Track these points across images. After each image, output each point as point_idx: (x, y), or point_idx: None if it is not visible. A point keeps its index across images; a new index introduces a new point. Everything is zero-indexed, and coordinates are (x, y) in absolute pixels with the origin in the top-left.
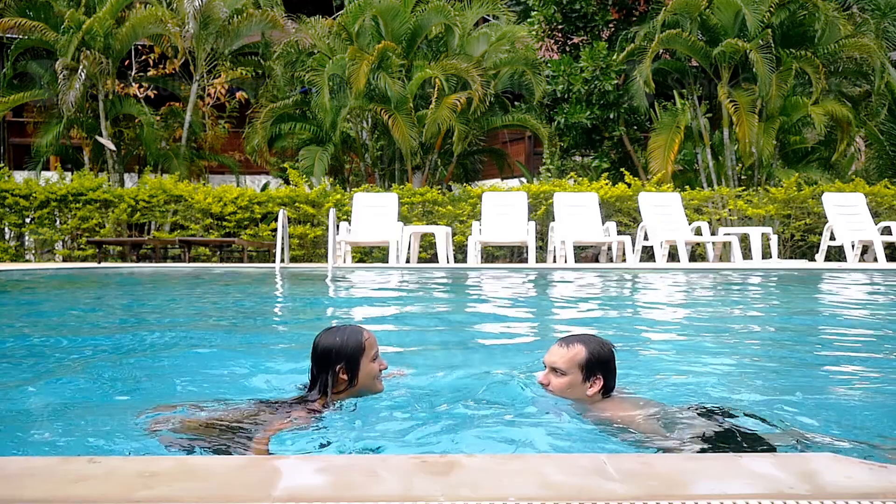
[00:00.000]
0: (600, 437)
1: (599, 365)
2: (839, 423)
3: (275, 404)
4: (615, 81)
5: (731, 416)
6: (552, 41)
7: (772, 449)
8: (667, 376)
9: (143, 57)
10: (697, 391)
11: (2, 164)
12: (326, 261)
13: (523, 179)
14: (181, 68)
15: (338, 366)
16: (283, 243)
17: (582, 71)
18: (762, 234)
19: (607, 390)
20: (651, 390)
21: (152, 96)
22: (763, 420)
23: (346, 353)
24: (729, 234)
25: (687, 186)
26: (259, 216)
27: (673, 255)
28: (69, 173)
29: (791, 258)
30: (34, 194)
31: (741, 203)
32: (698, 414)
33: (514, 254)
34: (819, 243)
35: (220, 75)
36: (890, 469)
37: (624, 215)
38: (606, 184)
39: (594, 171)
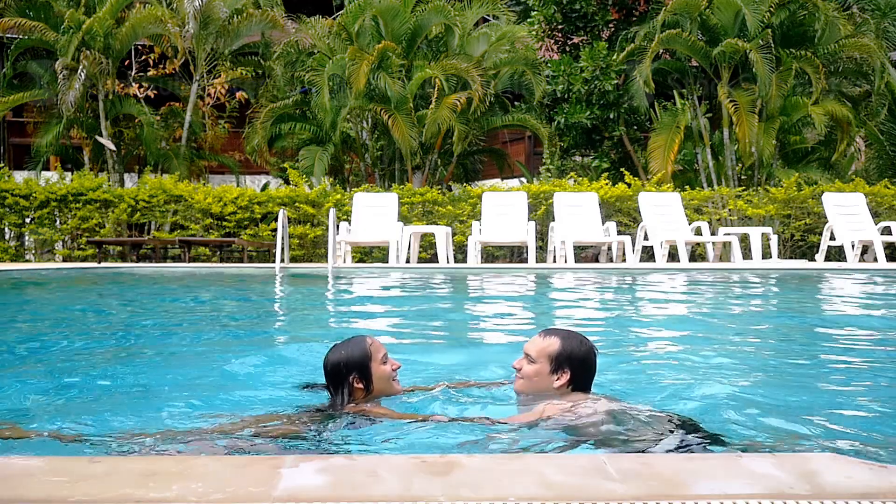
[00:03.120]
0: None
1: (570, 360)
2: (839, 423)
3: (305, 414)
4: (615, 81)
5: (695, 430)
6: (552, 41)
7: None
8: (664, 376)
9: (143, 57)
10: (695, 391)
11: (2, 164)
12: (326, 261)
13: (523, 179)
14: (181, 68)
15: (351, 376)
16: (283, 243)
17: (582, 71)
18: (762, 234)
19: (576, 387)
20: (648, 389)
21: (152, 96)
22: (722, 443)
23: (354, 363)
24: (729, 234)
25: (687, 186)
26: (259, 216)
27: (673, 255)
28: (69, 173)
29: (791, 258)
30: (34, 194)
31: (741, 203)
32: (665, 422)
33: (514, 254)
34: (819, 243)
35: (220, 75)
36: (890, 469)
37: (624, 215)
38: (606, 184)
39: (594, 171)
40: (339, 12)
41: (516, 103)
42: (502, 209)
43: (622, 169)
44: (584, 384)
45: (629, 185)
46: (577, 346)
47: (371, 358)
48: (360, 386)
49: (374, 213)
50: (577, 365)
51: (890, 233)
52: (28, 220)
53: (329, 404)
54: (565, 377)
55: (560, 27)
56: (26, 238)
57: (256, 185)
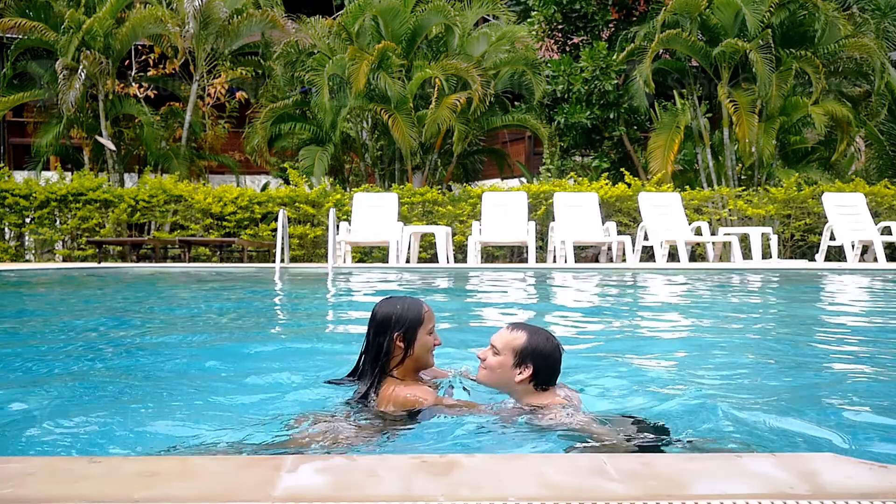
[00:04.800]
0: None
1: (534, 355)
2: (839, 423)
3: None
4: (615, 81)
5: (662, 434)
6: (552, 41)
7: None
8: (664, 375)
9: (143, 57)
10: (695, 391)
11: (2, 164)
12: (326, 261)
13: (523, 179)
14: (181, 68)
15: (396, 332)
16: (283, 243)
17: (582, 71)
18: (762, 234)
19: (538, 383)
20: (646, 389)
21: (152, 96)
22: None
23: (405, 321)
24: (729, 234)
25: (687, 186)
26: (259, 216)
27: (673, 255)
28: (69, 173)
29: (791, 258)
30: (34, 194)
31: (741, 203)
32: (631, 425)
33: (514, 254)
34: (819, 243)
35: (220, 75)
36: (890, 469)
37: (624, 215)
38: (606, 184)
39: (594, 171)
40: (339, 12)
41: (516, 103)
42: (502, 209)
43: (622, 169)
44: (547, 381)
45: (629, 185)
46: (542, 343)
47: (422, 324)
48: (401, 345)
49: (374, 213)
50: (540, 361)
51: (890, 233)
52: (28, 220)
53: (350, 398)
54: (528, 372)
55: (560, 27)
56: (26, 238)
57: (256, 185)
